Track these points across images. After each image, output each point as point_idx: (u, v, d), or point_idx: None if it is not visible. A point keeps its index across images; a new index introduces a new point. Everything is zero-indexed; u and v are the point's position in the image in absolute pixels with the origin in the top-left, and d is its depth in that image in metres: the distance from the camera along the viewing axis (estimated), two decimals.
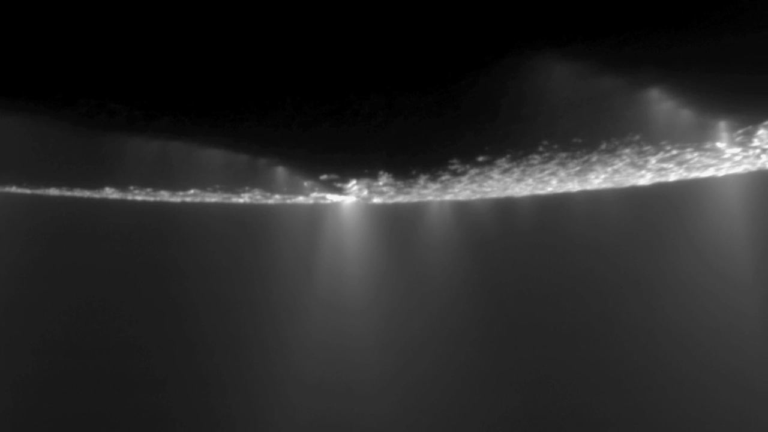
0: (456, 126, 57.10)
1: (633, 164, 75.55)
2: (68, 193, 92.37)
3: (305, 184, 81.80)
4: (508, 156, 67.96)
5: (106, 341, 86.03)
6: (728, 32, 39.96)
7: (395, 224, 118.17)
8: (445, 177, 78.28)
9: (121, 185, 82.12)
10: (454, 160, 69.68)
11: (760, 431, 56.79)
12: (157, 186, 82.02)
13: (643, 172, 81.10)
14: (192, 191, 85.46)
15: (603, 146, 65.64)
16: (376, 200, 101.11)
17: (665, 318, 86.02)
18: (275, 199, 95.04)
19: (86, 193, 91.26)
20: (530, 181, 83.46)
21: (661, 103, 53.65)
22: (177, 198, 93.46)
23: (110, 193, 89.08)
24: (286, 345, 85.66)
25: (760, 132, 62.66)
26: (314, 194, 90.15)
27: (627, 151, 68.20)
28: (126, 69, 44.52)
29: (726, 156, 73.75)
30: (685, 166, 78.13)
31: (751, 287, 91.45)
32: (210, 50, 41.39)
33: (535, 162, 71.19)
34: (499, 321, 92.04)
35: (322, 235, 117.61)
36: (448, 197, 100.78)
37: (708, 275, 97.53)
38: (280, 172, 75.10)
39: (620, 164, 75.19)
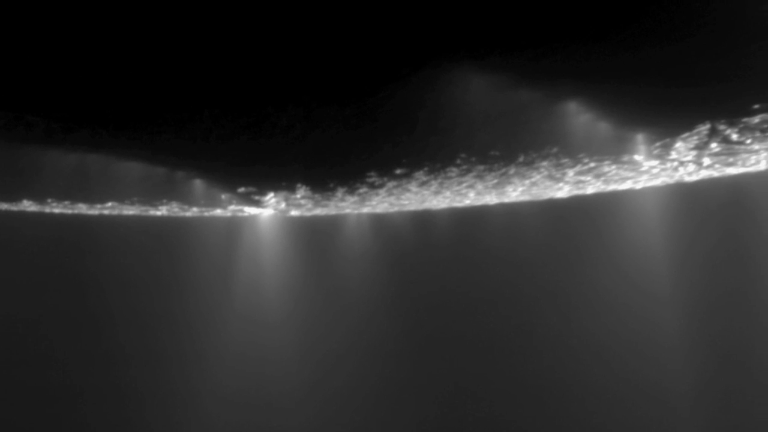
0: (373, 139, 56.79)
1: (551, 177, 75.82)
2: None
3: (223, 196, 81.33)
4: (426, 169, 67.81)
5: (24, 353, 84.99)
6: (646, 45, 39.93)
7: (313, 237, 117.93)
8: (363, 190, 78.07)
9: (39, 198, 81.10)
10: (372, 173, 69.44)
11: None
12: (75, 199, 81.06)
13: (560, 184, 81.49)
14: (110, 204, 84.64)
15: (521, 159, 65.68)
16: (294, 213, 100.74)
17: (583, 330, 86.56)
18: (193, 212, 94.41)
19: (4, 206, 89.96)
20: (448, 193, 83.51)
21: (579, 116, 53.70)
22: (95, 211, 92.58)
23: (28, 205, 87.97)
24: (203, 358, 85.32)
25: (678, 145, 63.11)
26: (232, 207, 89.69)
27: (545, 163, 68.34)
28: (44, 81, 43.62)
29: (644, 169, 74.27)
30: (602, 178, 78.60)
31: (668, 300, 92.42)
32: (127, 63, 40.57)
33: (453, 175, 71.12)
34: (418, 333, 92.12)
35: (239, 248, 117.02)
36: (365, 210, 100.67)
37: (625, 288, 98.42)
38: (198, 184, 74.55)
39: (538, 177, 75.40)
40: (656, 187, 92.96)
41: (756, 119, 54.32)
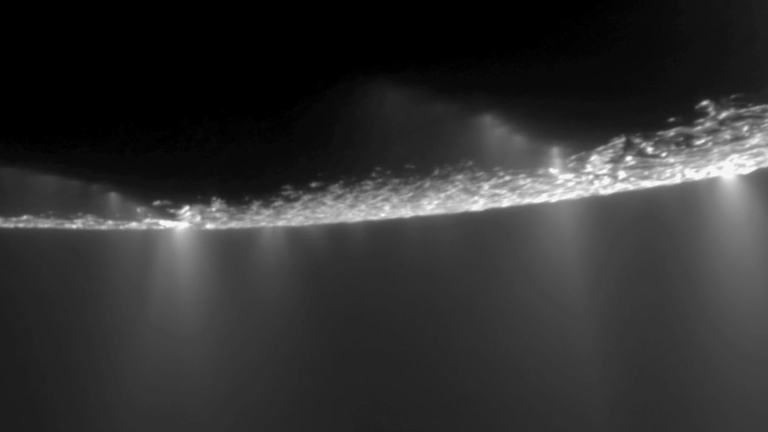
0: (289, 152, 56.52)
1: (466, 190, 76.04)
2: None
3: (138, 210, 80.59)
4: (341, 182, 67.65)
5: None
6: (561, 58, 40.02)
7: (228, 250, 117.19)
8: (278, 203, 77.78)
9: None
10: (287, 186, 69.14)
11: None
12: None
13: (476, 198, 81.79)
14: (25, 217, 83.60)
15: (436, 172, 65.72)
16: (210, 226, 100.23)
17: (498, 343, 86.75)
18: (108, 225, 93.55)
19: None
20: (363, 207, 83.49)
21: (494, 129, 53.78)
22: (10, 224, 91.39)
23: None
24: (118, 371, 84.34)
25: (593, 158, 63.56)
26: (147, 220, 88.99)
27: (460, 177, 68.46)
28: None
29: (559, 182, 74.80)
30: (518, 191, 79.04)
31: (583, 313, 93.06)
32: (42, 75, 39.78)
33: (368, 188, 71.03)
34: (333, 347, 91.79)
35: (155, 261, 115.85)
36: (281, 223, 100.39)
37: (541, 301, 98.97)
38: (113, 198, 73.78)
39: (453, 190, 75.58)
40: (571, 201, 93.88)
41: (671, 132, 54.87)
